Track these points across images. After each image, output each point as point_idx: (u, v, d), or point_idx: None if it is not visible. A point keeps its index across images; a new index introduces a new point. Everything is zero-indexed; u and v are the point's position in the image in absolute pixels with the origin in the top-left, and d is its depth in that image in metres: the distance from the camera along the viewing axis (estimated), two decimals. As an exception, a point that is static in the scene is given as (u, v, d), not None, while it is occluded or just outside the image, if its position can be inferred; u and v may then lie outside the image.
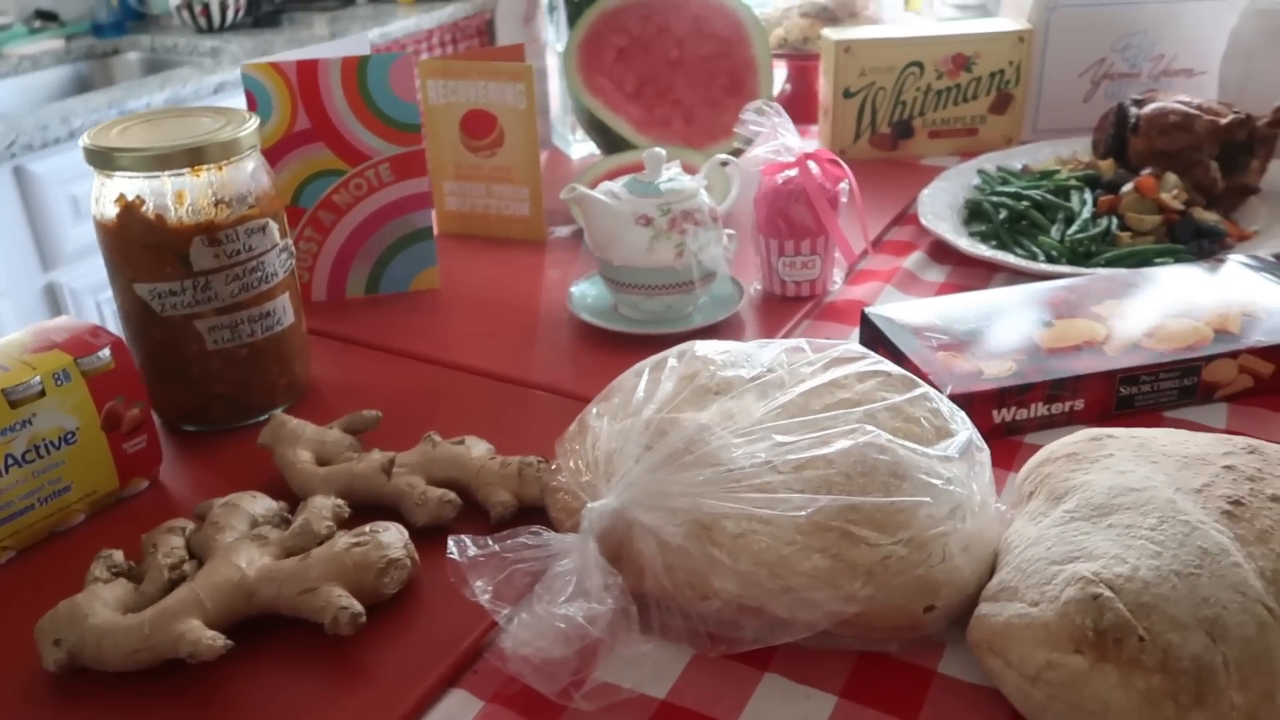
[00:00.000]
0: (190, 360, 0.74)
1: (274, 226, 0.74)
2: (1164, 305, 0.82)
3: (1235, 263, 0.89)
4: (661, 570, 0.55)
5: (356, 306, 0.96)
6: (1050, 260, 0.96)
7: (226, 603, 0.56)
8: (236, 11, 2.30)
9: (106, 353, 0.66)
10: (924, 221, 1.03)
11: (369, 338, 0.90)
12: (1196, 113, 1.05)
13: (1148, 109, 1.08)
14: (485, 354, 0.87)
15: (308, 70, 0.88)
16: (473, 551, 0.55)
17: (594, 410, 0.64)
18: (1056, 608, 0.49)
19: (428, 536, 0.64)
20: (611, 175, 1.07)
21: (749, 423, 0.59)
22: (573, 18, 1.21)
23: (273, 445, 0.70)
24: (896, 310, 0.84)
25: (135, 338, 0.74)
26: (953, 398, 0.72)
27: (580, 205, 0.84)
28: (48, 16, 2.27)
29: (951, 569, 0.54)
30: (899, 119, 1.27)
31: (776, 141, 0.88)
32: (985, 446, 0.63)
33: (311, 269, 0.95)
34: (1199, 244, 0.97)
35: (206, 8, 2.25)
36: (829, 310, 0.93)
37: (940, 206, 1.08)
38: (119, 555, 0.60)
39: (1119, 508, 0.53)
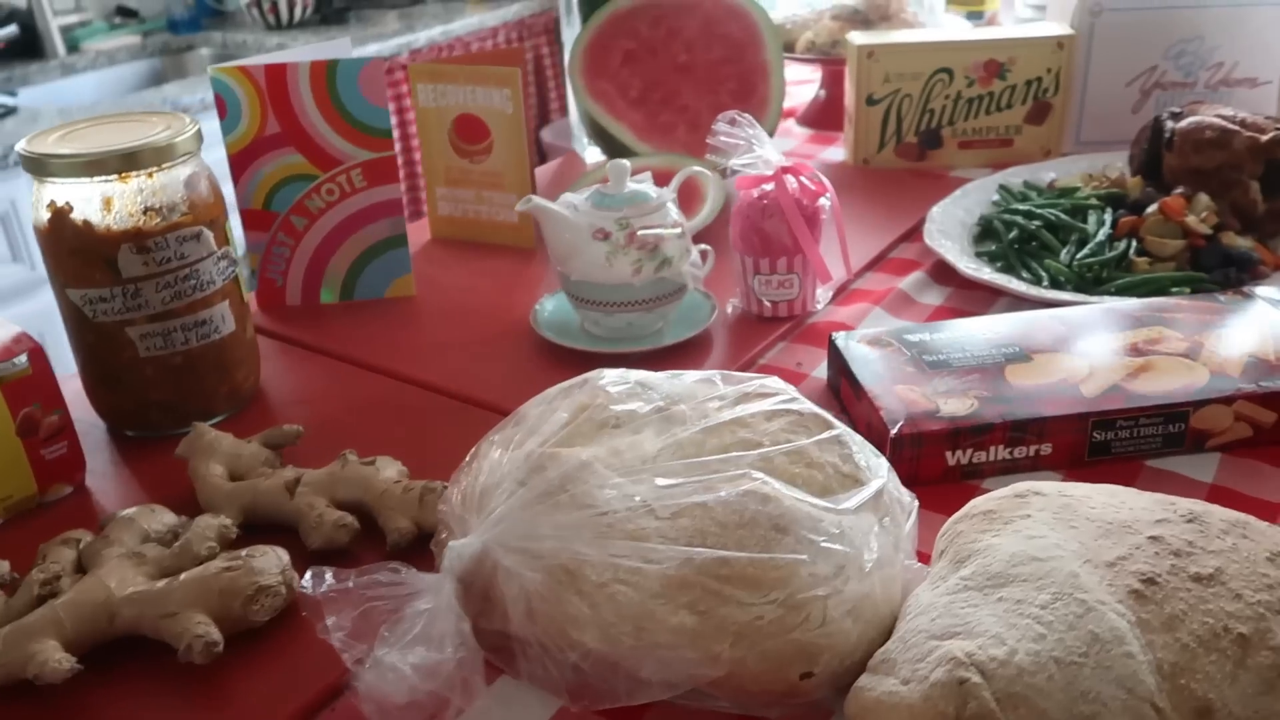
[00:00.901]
0: (124, 366, 0.73)
1: (209, 235, 0.73)
2: (1162, 341, 0.75)
3: (1262, 297, 0.81)
4: (524, 616, 0.52)
5: (330, 313, 0.95)
6: (1055, 286, 0.90)
7: (87, 623, 0.55)
8: (304, 9, 2.34)
9: (23, 359, 0.66)
10: (927, 239, 0.97)
11: (331, 346, 0.89)
12: (1236, 128, 0.96)
13: (1184, 123, 0.99)
14: (443, 369, 0.84)
15: (276, 74, 0.87)
16: (328, 585, 0.53)
17: (492, 438, 0.61)
18: (923, 689, 0.44)
19: (325, 562, 0.62)
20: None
21: (637, 461, 0.56)
22: (586, 18, 1.18)
23: (189, 457, 0.69)
24: (869, 336, 0.79)
25: (73, 342, 0.75)
26: (901, 436, 0.67)
27: (537, 217, 0.81)
28: (128, 13, 2.34)
29: (833, 633, 0.50)
30: (926, 128, 1.20)
31: (754, 154, 0.84)
32: (909, 497, 0.58)
33: (285, 274, 0.94)
34: (1225, 273, 0.88)
35: (275, 5, 2.29)
36: (809, 332, 0.88)
37: (951, 223, 1.02)
38: (4, 566, 0.59)
39: (1015, 579, 0.48)
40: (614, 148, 1.12)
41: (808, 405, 0.59)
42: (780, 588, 0.49)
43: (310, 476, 0.66)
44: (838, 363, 0.78)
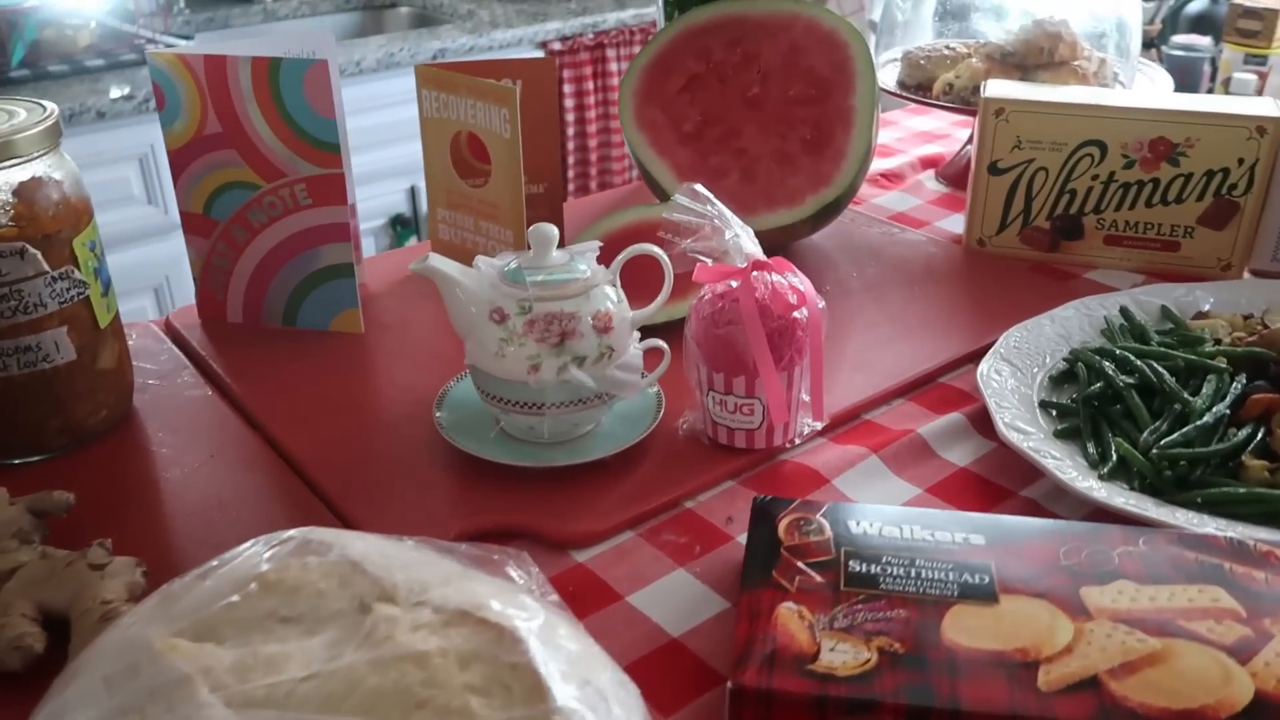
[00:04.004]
0: (-59, 385, 0.66)
1: (36, 254, 0.63)
2: (1209, 614, 0.51)
3: None
4: None
5: (268, 340, 0.84)
6: (1120, 474, 0.65)
7: None
8: (507, -25, 2.27)
9: None
10: (981, 368, 0.74)
11: (240, 388, 0.77)
12: None
13: (1390, 271, 0.70)
14: (334, 452, 0.69)
15: (216, 66, 0.76)
16: None
17: (173, 583, 0.47)
18: None
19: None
20: (625, 233, 0.87)
21: (264, 688, 0.40)
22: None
23: (-58, 510, 0.60)
24: (800, 510, 0.59)
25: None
26: (742, 690, 0.48)
27: (435, 282, 0.66)
28: (345, -35, 2.37)
29: None
30: (1064, 212, 0.94)
31: (725, 237, 0.65)
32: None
33: (226, 287, 0.84)
34: (1385, 507, 0.61)
35: (477, -30, 2.24)
36: (769, 474, 0.68)
37: (1035, 349, 0.78)
38: None
39: None
40: (656, 189, 0.94)
41: (531, 653, 0.41)
42: None
43: (29, 570, 0.55)
44: (757, 531, 0.59)
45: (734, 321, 0.65)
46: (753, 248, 0.65)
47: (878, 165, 1.19)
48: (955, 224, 1.06)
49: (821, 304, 0.67)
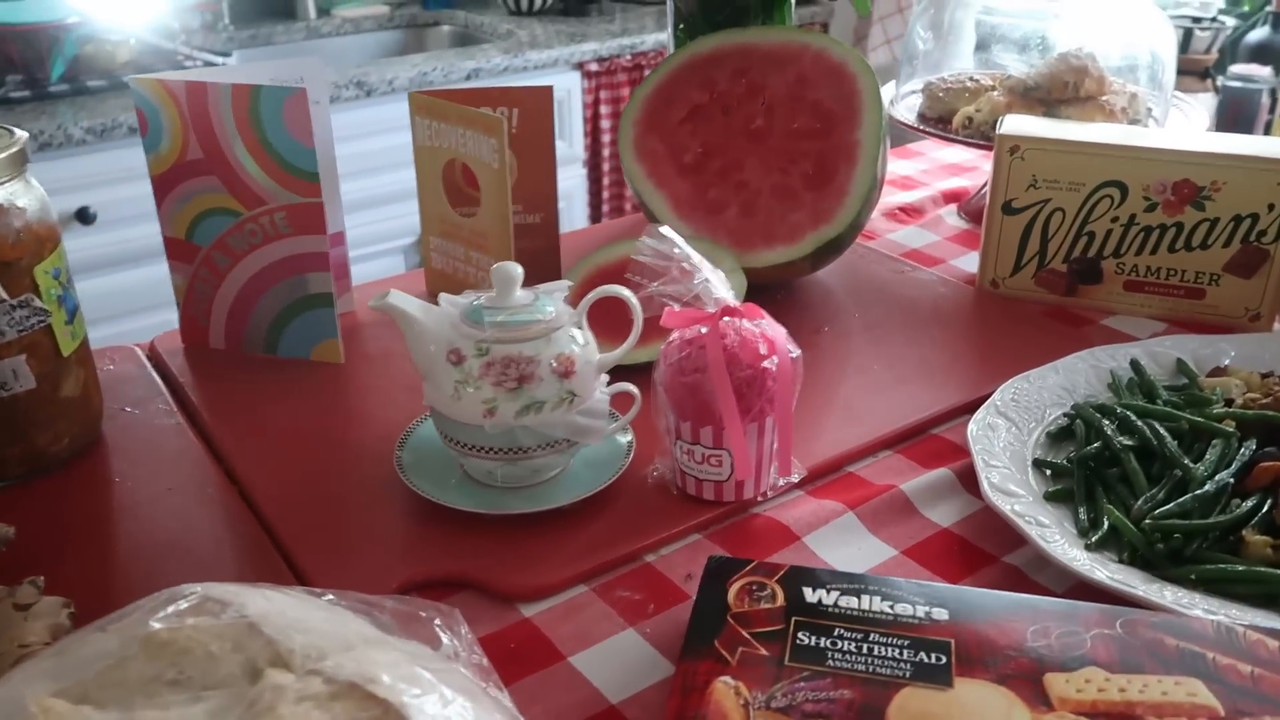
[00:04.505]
0: (-100, 410, 0.65)
1: (-6, 282, 0.63)
2: (1183, 711, 0.46)
3: None
4: None
5: (249, 367, 0.83)
6: (1109, 543, 0.61)
7: None
8: (549, -4, 2.27)
9: None
10: (971, 430, 0.70)
11: (212, 419, 0.76)
12: None
13: None
14: (293, 489, 0.68)
15: (197, 93, 0.75)
16: None
17: (75, 635, 0.45)
18: None
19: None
20: (621, 266, 0.85)
21: (134, 760, 0.38)
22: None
23: (-115, 539, 0.59)
24: (758, 573, 0.56)
25: None
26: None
27: (395, 319, 0.64)
28: (390, -17, 2.38)
29: None
30: (1082, 255, 0.90)
31: (695, 281, 0.62)
32: None
33: (208, 313, 0.83)
34: (1399, 593, 0.56)
35: (520, -12, 2.24)
36: (737, 529, 0.65)
37: (1035, 402, 0.73)
38: None
39: None
40: (654, 222, 0.92)
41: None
42: None
43: (-44, 607, 0.54)
44: (708, 589, 0.56)
45: (701, 369, 0.62)
46: (723, 293, 0.62)
47: (898, 198, 1.16)
48: (971, 263, 1.01)
49: (795, 353, 0.63)
